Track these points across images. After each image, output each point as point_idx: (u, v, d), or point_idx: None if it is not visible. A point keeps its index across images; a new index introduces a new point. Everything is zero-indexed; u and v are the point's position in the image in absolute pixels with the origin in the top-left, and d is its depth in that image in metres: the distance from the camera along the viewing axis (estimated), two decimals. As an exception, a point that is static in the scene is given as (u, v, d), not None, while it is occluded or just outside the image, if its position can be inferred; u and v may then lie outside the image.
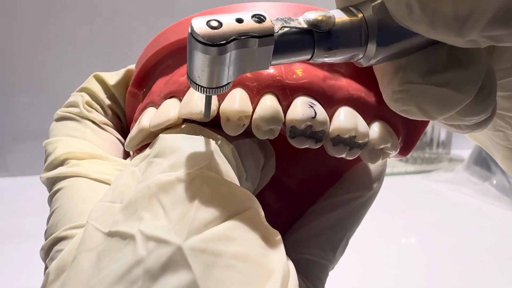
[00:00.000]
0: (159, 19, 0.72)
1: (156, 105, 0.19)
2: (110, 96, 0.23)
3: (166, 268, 0.13)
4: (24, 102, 0.74)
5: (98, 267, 0.14)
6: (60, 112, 0.22)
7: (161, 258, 0.13)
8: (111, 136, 0.22)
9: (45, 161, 0.20)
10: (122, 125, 0.23)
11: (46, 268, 0.17)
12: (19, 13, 0.71)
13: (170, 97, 0.19)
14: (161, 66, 0.20)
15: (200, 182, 0.15)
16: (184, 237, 0.14)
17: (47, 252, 0.17)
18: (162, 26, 0.20)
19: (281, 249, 0.16)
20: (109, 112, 0.23)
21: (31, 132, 0.70)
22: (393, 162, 0.76)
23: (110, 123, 0.22)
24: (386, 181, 0.25)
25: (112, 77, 0.23)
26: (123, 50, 0.71)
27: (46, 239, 0.17)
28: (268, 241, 0.15)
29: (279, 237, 0.16)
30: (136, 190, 0.16)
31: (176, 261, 0.13)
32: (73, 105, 0.22)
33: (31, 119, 0.74)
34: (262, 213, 0.16)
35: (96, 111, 0.22)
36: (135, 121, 0.20)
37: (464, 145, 0.81)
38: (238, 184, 0.16)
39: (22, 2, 0.70)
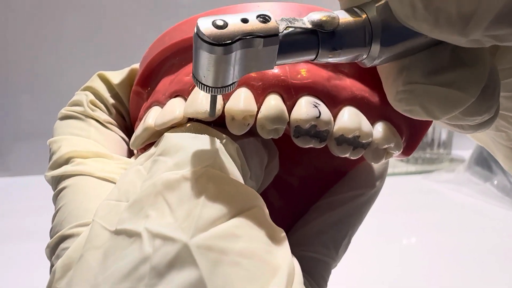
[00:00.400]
0: (162, 20, 0.72)
1: (161, 104, 0.19)
2: (114, 95, 0.23)
3: (172, 265, 0.13)
4: (26, 101, 0.74)
5: (104, 265, 0.14)
6: (64, 111, 0.22)
7: (167, 255, 0.13)
8: (115, 135, 0.22)
9: (50, 159, 0.20)
10: (126, 124, 0.24)
11: (52, 266, 0.17)
12: (21, 13, 0.71)
13: (175, 96, 0.19)
14: (166, 65, 0.20)
15: (206, 180, 0.15)
16: (190, 234, 0.14)
17: (53, 250, 0.17)
18: (165, 27, 0.20)
19: (286, 247, 0.16)
20: (113, 111, 0.23)
21: (33, 131, 0.70)
22: (394, 162, 0.76)
23: (114, 122, 0.23)
24: (387, 181, 0.25)
25: (116, 76, 0.23)
26: (125, 50, 0.71)
27: (51, 237, 0.17)
28: (273, 239, 0.15)
29: (283, 234, 0.16)
30: (141, 188, 0.16)
31: (182, 258, 0.13)
32: (77, 104, 0.22)
33: (32, 118, 0.74)
34: (267, 211, 0.16)
35: (100, 110, 0.22)
36: (140, 120, 0.21)
37: (465, 146, 0.81)
38: (243, 183, 0.16)
39: (24, 1, 0.70)
